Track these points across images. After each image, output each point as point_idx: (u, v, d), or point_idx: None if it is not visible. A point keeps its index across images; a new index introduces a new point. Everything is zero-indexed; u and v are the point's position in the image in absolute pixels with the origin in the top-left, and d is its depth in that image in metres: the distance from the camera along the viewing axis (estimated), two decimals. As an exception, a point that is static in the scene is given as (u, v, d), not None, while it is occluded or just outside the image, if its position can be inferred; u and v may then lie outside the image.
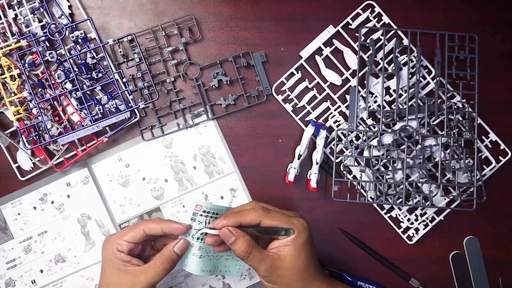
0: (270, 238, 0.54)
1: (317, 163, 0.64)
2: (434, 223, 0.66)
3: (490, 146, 0.66)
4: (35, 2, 0.63)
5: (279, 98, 0.67)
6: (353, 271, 0.67)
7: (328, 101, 0.67)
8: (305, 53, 0.66)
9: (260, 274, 0.53)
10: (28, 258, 0.66)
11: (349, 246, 0.67)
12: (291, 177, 0.65)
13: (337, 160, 0.66)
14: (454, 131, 0.64)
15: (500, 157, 0.67)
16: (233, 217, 0.52)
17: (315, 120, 0.65)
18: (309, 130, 0.65)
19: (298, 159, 0.64)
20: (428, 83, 0.66)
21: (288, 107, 0.67)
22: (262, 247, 0.53)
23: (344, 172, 0.65)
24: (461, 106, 0.65)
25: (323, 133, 0.64)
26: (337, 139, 0.65)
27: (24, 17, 0.63)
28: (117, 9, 0.67)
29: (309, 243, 0.53)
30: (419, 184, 0.64)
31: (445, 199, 0.65)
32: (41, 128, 0.63)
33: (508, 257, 0.68)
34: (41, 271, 0.66)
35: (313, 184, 0.65)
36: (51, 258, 0.66)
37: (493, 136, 0.66)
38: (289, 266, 0.52)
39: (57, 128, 0.63)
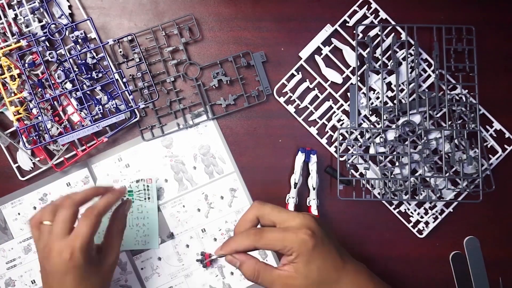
0: None
1: (313, 189, 0.64)
2: (443, 215, 0.66)
3: (495, 135, 0.67)
4: (35, 2, 0.63)
5: (281, 100, 0.67)
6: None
7: (330, 100, 0.67)
8: (304, 53, 0.66)
9: None
10: (28, 258, 0.66)
11: (350, 246, 0.67)
12: (291, 207, 0.65)
13: (342, 159, 0.66)
14: (457, 122, 0.64)
15: (506, 146, 0.67)
16: (227, 247, 0.50)
17: (304, 147, 0.65)
18: (300, 158, 0.65)
19: (295, 188, 0.64)
20: (429, 76, 0.67)
21: (291, 108, 0.67)
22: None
23: (349, 170, 0.65)
24: (462, 97, 0.65)
25: (314, 158, 0.64)
26: (341, 138, 0.65)
27: (24, 17, 0.63)
28: (117, 9, 0.67)
29: (318, 252, 0.48)
30: (427, 178, 0.64)
31: (453, 191, 0.65)
32: (41, 128, 0.63)
33: (508, 257, 0.68)
34: (41, 271, 0.66)
35: (314, 211, 0.65)
36: (51, 258, 0.66)
37: (497, 125, 0.66)
38: (303, 284, 0.48)
39: (57, 128, 0.63)
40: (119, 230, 0.58)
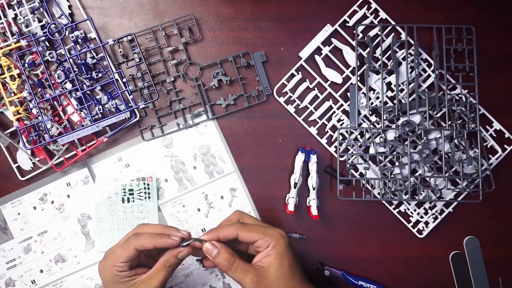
0: (252, 256, 0.55)
1: (313, 189, 0.64)
2: (443, 215, 0.66)
3: (494, 135, 0.67)
4: (35, 2, 0.63)
5: (281, 100, 0.67)
6: (353, 270, 0.67)
7: (330, 100, 0.67)
8: (304, 53, 0.66)
9: None
10: (28, 258, 0.66)
11: (350, 246, 0.67)
12: (291, 207, 0.64)
13: (342, 159, 0.66)
14: (457, 122, 0.64)
15: (506, 146, 0.67)
16: (211, 233, 0.54)
17: (304, 147, 0.65)
18: (300, 158, 0.64)
19: (295, 188, 0.64)
20: (429, 76, 0.67)
21: (291, 108, 0.67)
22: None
23: (349, 170, 0.65)
24: (462, 97, 0.65)
25: (313, 158, 0.64)
26: (341, 138, 0.65)
27: (24, 17, 0.63)
28: (117, 9, 0.67)
29: (289, 250, 0.53)
30: (427, 178, 0.64)
31: (453, 191, 0.65)
32: (41, 128, 0.63)
33: (508, 257, 0.68)
34: (41, 271, 0.66)
35: (313, 211, 0.65)
36: (51, 258, 0.66)
37: (497, 125, 0.66)
38: (274, 275, 0.52)
39: (57, 128, 0.63)
40: (166, 266, 0.53)
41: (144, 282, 0.53)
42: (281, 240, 0.53)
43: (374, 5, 0.66)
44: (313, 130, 0.67)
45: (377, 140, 0.64)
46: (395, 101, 0.65)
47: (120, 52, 0.65)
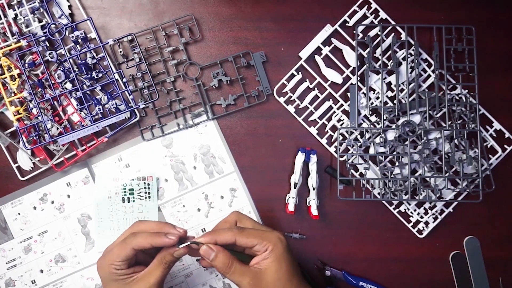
0: (250, 257, 0.55)
1: (313, 189, 0.64)
2: (443, 215, 0.66)
3: (494, 135, 0.67)
4: (35, 2, 0.63)
5: (281, 100, 0.67)
6: (353, 270, 0.67)
7: (330, 100, 0.67)
8: (304, 53, 0.66)
9: None
10: (28, 258, 0.66)
11: (350, 246, 0.67)
12: (291, 207, 0.64)
13: (342, 159, 0.66)
14: (457, 122, 0.64)
15: (506, 146, 0.67)
16: (209, 236, 0.53)
17: (304, 147, 0.65)
18: (300, 158, 0.64)
19: (295, 188, 0.64)
20: (429, 76, 0.67)
21: (291, 108, 0.67)
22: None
23: (349, 170, 0.65)
24: (462, 97, 0.65)
25: (314, 158, 0.64)
26: (341, 138, 0.65)
27: (24, 17, 0.63)
28: (117, 9, 0.67)
29: (287, 253, 0.53)
30: (427, 178, 0.64)
31: (453, 191, 0.65)
32: (41, 128, 0.63)
33: (508, 257, 0.68)
34: (41, 271, 0.66)
35: (313, 211, 0.65)
36: (51, 258, 0.66)
37: (497, 125, 0.66)
38: (271, 278, 0.52)
39: (57, 128, 0.63)
40: (163, 262, 0.54)
41: (142, 279, 0.53)
42: (279, 243, 0.53)
43: (374, 5, 0.66)
44: (313, 130, 0.67)
45: (377, 140, 0.64)
46: (395, 101, 0.65)
47: (120, 52, 0.65)
